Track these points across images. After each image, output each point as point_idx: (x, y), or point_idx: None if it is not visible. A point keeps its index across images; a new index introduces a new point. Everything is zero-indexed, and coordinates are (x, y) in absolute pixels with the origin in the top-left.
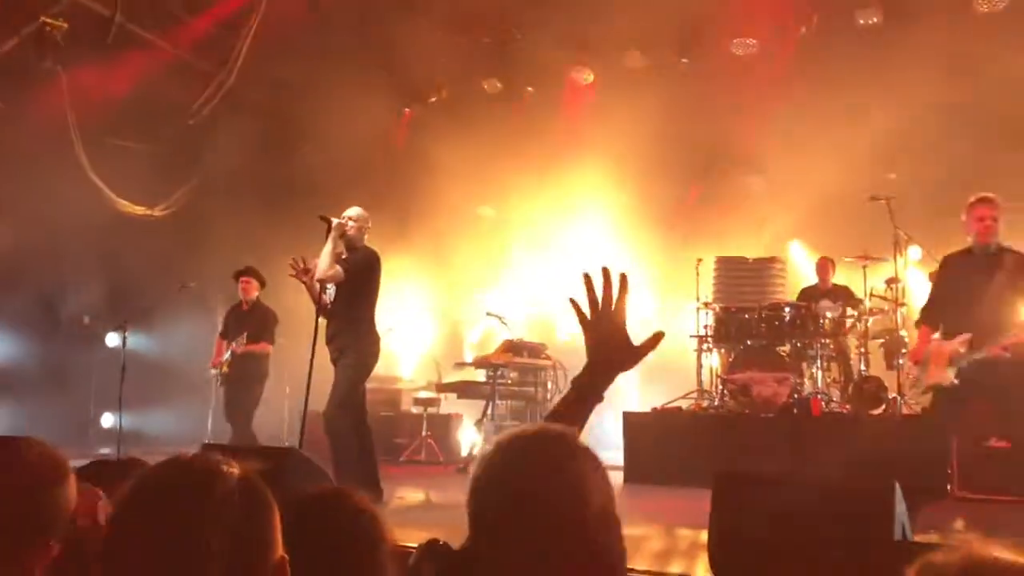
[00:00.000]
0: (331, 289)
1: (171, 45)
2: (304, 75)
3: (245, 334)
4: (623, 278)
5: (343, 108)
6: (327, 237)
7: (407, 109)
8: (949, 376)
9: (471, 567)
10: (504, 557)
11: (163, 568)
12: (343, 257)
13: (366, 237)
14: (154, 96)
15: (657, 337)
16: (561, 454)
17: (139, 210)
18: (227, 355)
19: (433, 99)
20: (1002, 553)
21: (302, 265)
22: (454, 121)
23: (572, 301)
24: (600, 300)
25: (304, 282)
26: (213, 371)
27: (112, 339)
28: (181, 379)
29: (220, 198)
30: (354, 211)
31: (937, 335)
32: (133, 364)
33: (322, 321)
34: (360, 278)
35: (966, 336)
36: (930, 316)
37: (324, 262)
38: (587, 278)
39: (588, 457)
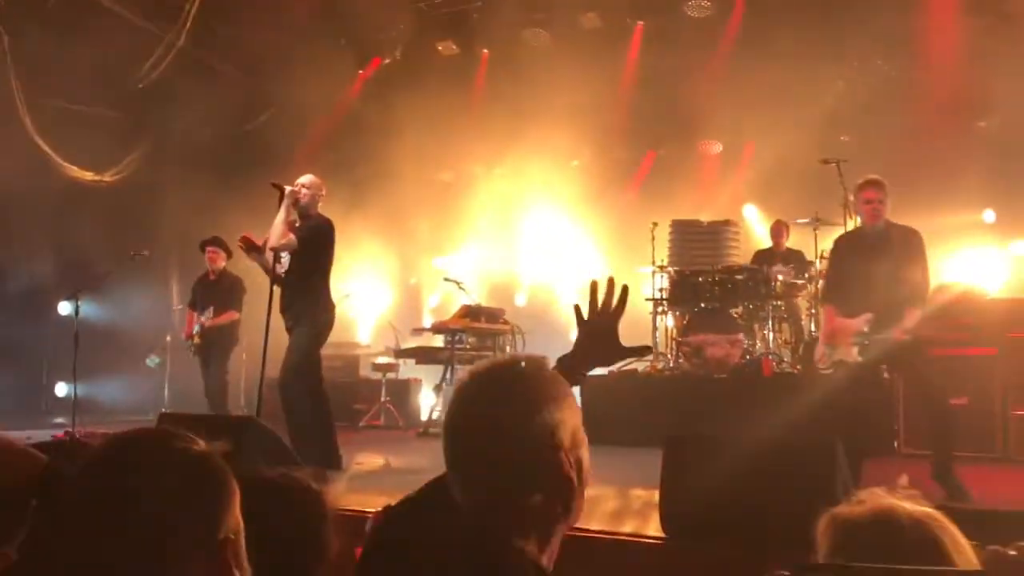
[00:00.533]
0: (285, 258)
1: (118, 5)
2: (257, 37)
3: (212, 307)
4: (624, 289)
5: (297, 71)
6: (280, 205)
7: (360, 72)
8: (854, 353)
9: (444, 491)
10: (473, 479)
11: (112, 544)
12: (296, 225)
13: (320, 205)
14: (102, 58)
15: (646, 348)
16: (531, 382)
17: (88, 176)
18: (197, 327)
19: (387, 61)
20: (906, 503)
21: (251, 243)
22: (409, 85)
23: (576, 308)
24: (600, 304)
25: (254, 258)
26: (186, 343)
27: (64, 308)
28: (136, 348)
29: (173, 164)
30: (307, 178)
31: (840, 313)
32: (86, 333)
33: (276, 289)
34: (314, 246)
35: (867, 316)
36: (831, 295)
37: (277, 230)
38: (593, 285)
39: (558, 386)
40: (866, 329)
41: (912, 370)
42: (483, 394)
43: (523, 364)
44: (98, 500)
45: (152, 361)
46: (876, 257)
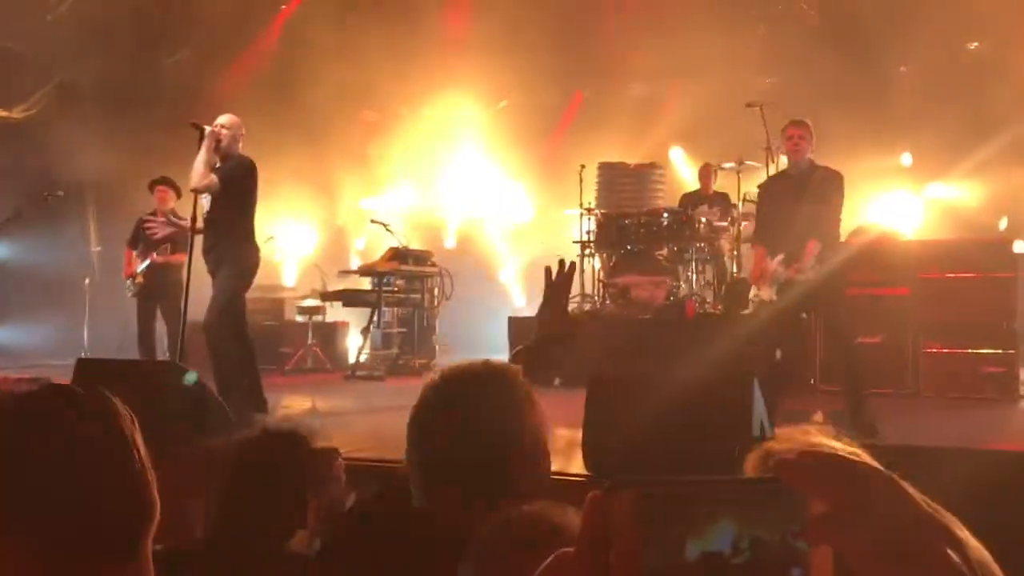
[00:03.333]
0: (205, 199)
1: None
2: None
3: (168, 245)
4: (572, 266)
5: (216, 6)
6: (199, 145)
7: (283, 6)
8: (771, 294)
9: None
10: (437, 480)
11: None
12: (217, 166)
13: (240, 145)
14: None
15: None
16: (498, 389)
17: None
18: (142, 265)
19: None
20: (834, 442)
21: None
22: (332, 21)
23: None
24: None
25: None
26: (127, 282)
27: None
28: (53, 290)
29: (86, 101)
30: (227, 118)
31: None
32: (1, 275)
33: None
34: (235, 187)
35: (782, 256)
36: (760, 236)
37: (197, 171)
38: (548, 270)
39: (524, 393)
40: (780, 269)
41: (823, 309)
42: (455, 397)
43: (496, 368)
44: None
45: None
46: (797, 198)
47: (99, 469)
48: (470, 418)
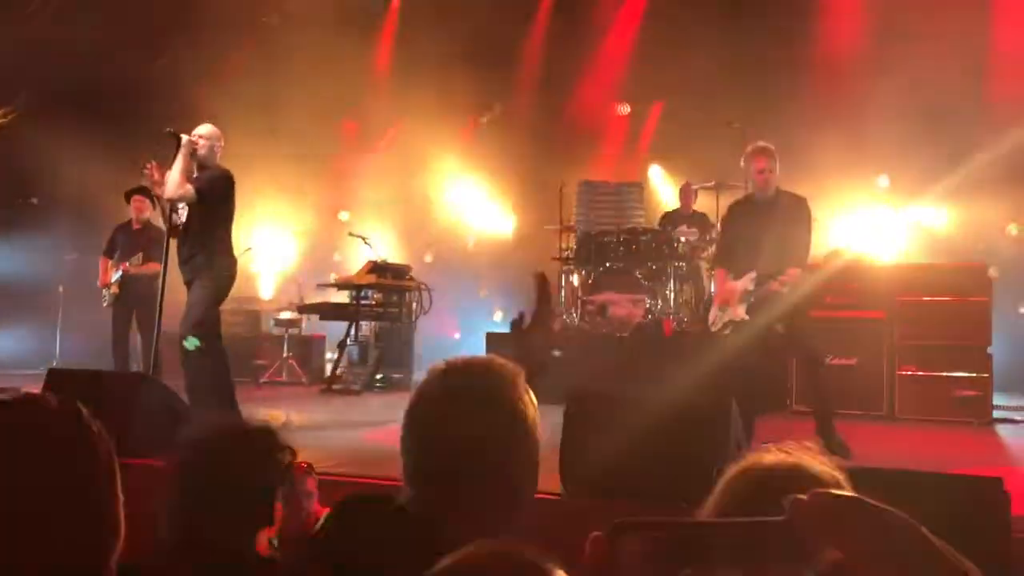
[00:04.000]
0: (183, 209)
1: None
2: None
3: (140, 254)
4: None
5: (196, 13)
6: (176, 154)
7: (265, 18)
8: (741, 312)
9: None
10: (436, 478)
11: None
12: (194, 176)
13: (219, 156)
14: None
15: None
16: (492, 385)
17: None
18: (117, 275)
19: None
20: (814, 462)
21: (155, 174)
22: (315, 31)
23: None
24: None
25: (156, 196)
26: (103, 291)
27: None
28: (26, 298)
29: (64, 107)
30: (205, 128)
31: (731, 277)
32: None
33: (174, 242)
34: (213, 198)
35: (751, 274)
36: (723, 259)
37: (174, 180)
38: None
39: (517, 390)
40: (751, 287)
41: (792, 330)
42: (458, 394)
43: (498, 366)
44: None
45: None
46: (765, 223)
47: (66, 488)
48: (470, 412)
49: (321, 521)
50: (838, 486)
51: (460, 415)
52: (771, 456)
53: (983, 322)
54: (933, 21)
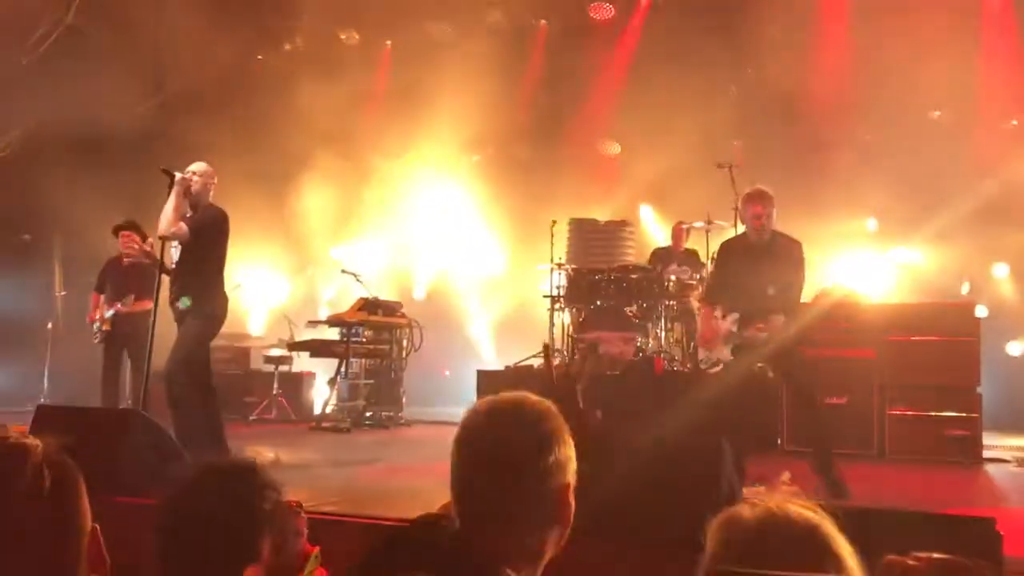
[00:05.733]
0: (175, 247)
1: None
2: (150, 17)
3: (131, 295)
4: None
5: (193, 53)
6: (169, 192)
7: (260, 56)
8: (726, 353)
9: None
10: (482, 509)
11: None
12: (187, 215)
13: (212, 194)
14: None
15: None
16: (533, 419)
17: None
18: (109, 313)
19: (288, 47)
20: (793, 506)
21: (139, 247)
22: (310, 72)
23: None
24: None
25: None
26: (93, 327)
27: None
28: (14, 335)
29: (56, 145)
30: (199, 166)
31: (718, 314)
32: None
33: (165, 279)
34: (206, 236)
35: (735, 316)
36: (712, 297)
37: (167, 218)
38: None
39: (556, 425)
40: (734, 329)
41: (787, 370)
42: (503, 428)
43: (538, 402)
44: None
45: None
46: (757, 265)
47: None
48: (520, 449)
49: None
50: (811, 532)
51: (510, 453)
52: (748, 507)
53: (972, 362)
54: (920, 68)
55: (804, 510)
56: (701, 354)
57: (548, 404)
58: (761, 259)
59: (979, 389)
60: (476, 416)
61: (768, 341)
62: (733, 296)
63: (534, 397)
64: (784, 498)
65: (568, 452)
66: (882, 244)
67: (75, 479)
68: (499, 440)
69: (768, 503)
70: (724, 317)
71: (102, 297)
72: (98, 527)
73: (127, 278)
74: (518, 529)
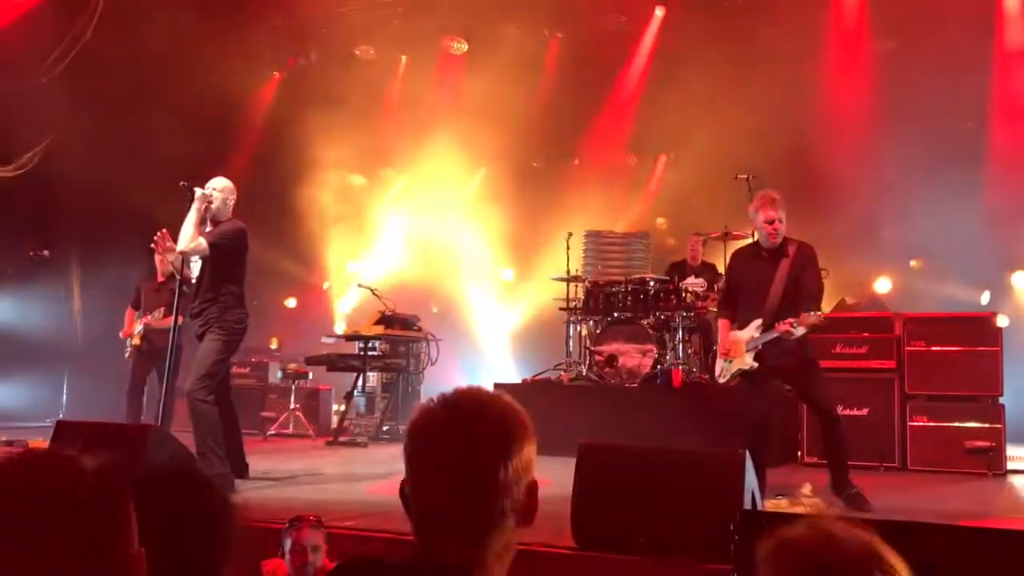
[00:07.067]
0: (196, 262)
1: None
2: (168, 34)
3: (162, 308)
4: None
5: (210, 70)
6: (189, 207)
7: (276, 73)
8: (749, 360)
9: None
10: (429, 503)
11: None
12: (208, 230)
13: (231, 209)
14: (3, 49)
15: None
16: (498, 416)
17: None
18: (139, 327)
19: (302, 62)
20: (843, 527)
21: (166, 242)
22: (326, 88)
23: None
24: None
25: (164, 256)
26: (126, 341)
27: None
28: (33, 351)
29: (75, 160)
30: (219, 182)
31: (735, 326)
32: None
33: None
34: (226, 251)
35: (758, 321)
36: (726, 308)
37: (187, 234)
38: None
39: (521, 420)
40: (757, 334)
41: (802, 383)
42: (468, 425)
43: (497, 397)
44: None
45: None
46: (772, 271)
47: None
48: (482, 448)
49: None
50: (873, 558)
51: (460, 440)
52: (798, 529)
53: (994, 372)
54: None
55: (859, 531)
56: (718, 368)
57: (510, 399)
58: (774, 265)
59: (1002, 400)
60: (435, 411)
61: (792, 348)
62: (747, 305)
63: (494, 392)
64: (831, 518)
65: (532, 449)
66: (901, 254)
67: (126, 499)
68: (466, 437)
69: (817, 523)
70: (737, 325)
71: (136, 313)
72: (143, 551)
73: (160, 295)
74: (485, 532)
